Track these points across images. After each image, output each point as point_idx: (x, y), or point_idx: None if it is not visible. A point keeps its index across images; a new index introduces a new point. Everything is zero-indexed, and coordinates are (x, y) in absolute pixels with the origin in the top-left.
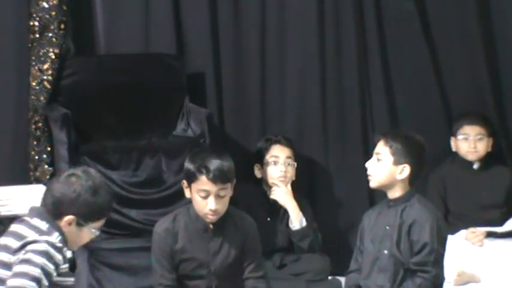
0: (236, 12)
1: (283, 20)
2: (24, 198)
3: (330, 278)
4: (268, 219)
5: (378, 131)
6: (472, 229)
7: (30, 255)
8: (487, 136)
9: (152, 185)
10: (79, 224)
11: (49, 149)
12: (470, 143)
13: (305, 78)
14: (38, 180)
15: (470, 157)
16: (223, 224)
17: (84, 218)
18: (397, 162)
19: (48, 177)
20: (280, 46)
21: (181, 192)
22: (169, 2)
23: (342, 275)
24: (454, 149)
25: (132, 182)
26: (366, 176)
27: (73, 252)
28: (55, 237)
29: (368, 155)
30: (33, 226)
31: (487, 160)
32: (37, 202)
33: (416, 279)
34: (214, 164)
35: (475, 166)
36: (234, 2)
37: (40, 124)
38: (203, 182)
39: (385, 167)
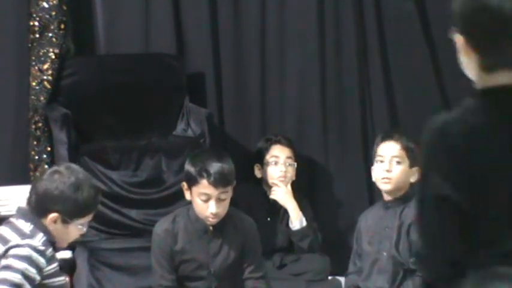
0: (236, 12)
1: (283, 20)
2: (24, 198)
3: (329, 278)
4: (268, 219)
5: (382, 133)
6: None
7: (11, 261)
8: None
9: (152, 185)
10: (64, 221)
11: (49, 149)
12: None
13: (305, 78)
14: None
15: None
16: (223, 225)
17: (68, 214)
18: (411, 166)
19: None
20: (280, 46)
21: (181, 193)
22: (169, 2)
23: (341, 275)
24: None
25: (132, 182)
26: (366, 176)
27: (73, 252)
28: (38, 240)
29: (368, 155)
30: (17, 228)
31: None
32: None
33: (416, 278)
34: (215, 167)
35: None
36: (234, 2)
37: (40, 124)
38: (204, 186)
39: (404, 171)
